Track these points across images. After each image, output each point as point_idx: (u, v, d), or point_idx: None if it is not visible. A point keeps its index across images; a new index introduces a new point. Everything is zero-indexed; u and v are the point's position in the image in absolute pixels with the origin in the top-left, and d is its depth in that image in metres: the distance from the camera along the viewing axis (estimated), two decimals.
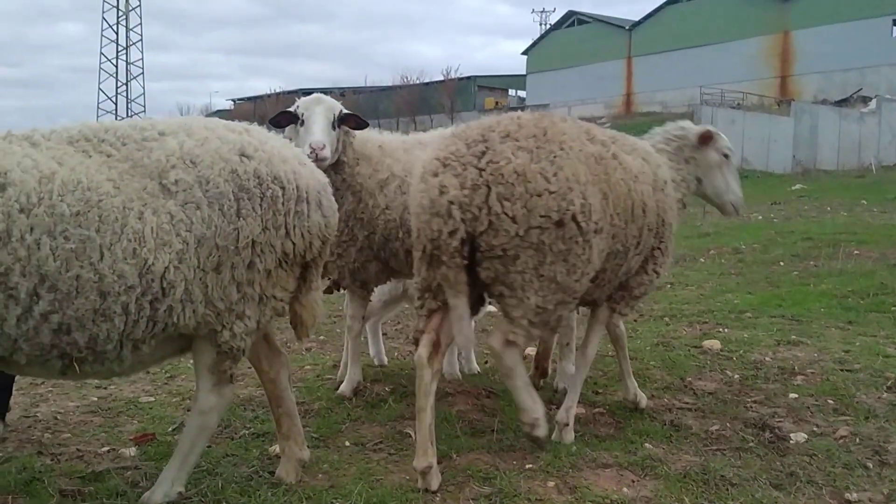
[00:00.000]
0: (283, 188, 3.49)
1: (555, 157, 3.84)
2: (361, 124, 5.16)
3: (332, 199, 3.80)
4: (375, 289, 6.21)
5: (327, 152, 4.85)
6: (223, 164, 3.39)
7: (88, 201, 3.13)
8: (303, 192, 3.57)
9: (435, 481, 3.81)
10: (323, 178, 3.79)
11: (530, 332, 3.95)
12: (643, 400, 5.09)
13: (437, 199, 3.76)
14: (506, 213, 3.70)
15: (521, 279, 3.80)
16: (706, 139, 5.06)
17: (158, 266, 3.21)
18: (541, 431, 4.14)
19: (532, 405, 4.10)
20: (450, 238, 3.75)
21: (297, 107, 5.04)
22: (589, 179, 3.92)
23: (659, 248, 4.67)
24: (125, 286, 3.16)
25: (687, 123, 5.23)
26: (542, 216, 3.72)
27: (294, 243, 3.54)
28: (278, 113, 5.06)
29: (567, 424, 4.52)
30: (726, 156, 5.17)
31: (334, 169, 4.98)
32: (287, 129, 5.01)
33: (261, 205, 3.43)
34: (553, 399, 5.22)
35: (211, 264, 3.34)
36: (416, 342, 4.04)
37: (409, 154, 5.31)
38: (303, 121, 4.98)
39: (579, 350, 4.83)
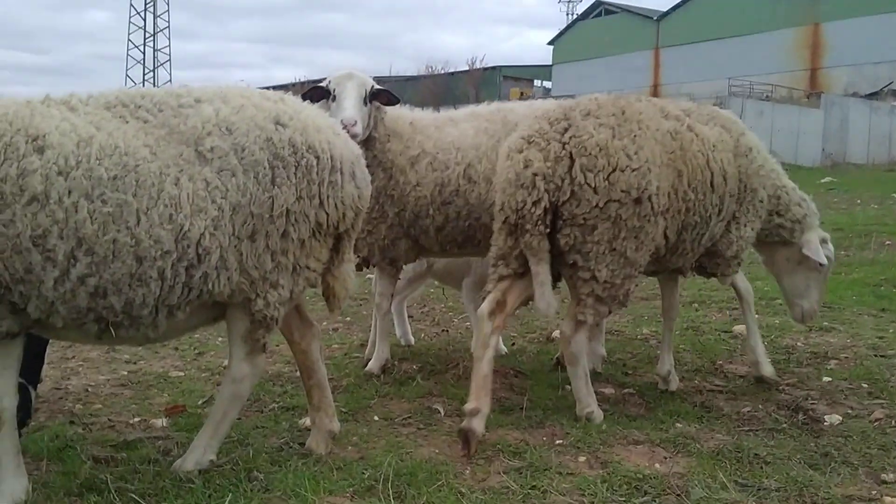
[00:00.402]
0: (317, 158, 3.49)
1: (635, 135, 4.11)
2: (393, 100, 5.15)
3: (366, 170, 3.79)
4: None
5: (358, 129, 4.84)
6: (258, 132, 3.39)
7: (125, 166, 3.14)
8: (337, 162, 3.56)
9: (479, 426, 3.94)
10: (357, 150, 3.78)
11: (597, 310, 4.20)
12: (675, 381, 5.04)
13: (522, 172, 4.07)
14: (588, 184, 3.98)
15: (596, 250, 4.06)
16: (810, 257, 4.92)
17: (194, 232, 3.21)
18: (595, 420, 4.36)
19: (586, 398, 4.38)
20: (534, 207, 4.03)
21: (329, 82, 5.02)
22: (664, 161, 4.17)
23: (742, 211, 4.70)
24: (161, 251, 3.16)
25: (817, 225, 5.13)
26: (622, 191, 4.00)
27: (328, 213, 3.54)
28: (310, 87, 5.04)
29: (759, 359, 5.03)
30: (822, 264, 4.94)
31: (365, 145, 4.96)
32: (318, 104, 4.99)
33: (295, 174, 3.42)
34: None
35: (246, 232, 3.34)
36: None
37: (440, 131, 5.29)
38: (334, 96, 4.96)
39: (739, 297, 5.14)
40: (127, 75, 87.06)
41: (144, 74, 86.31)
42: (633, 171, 4.02)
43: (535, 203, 4.02)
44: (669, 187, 4.19)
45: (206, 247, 3.24)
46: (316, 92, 5.00)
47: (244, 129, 3.37)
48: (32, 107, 3.18)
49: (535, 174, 4.03)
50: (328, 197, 3.52)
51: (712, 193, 4.41)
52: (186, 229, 3.20)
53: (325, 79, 5.13)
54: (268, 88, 4.34)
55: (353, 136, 4.69)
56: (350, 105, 4.89)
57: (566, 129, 4.09)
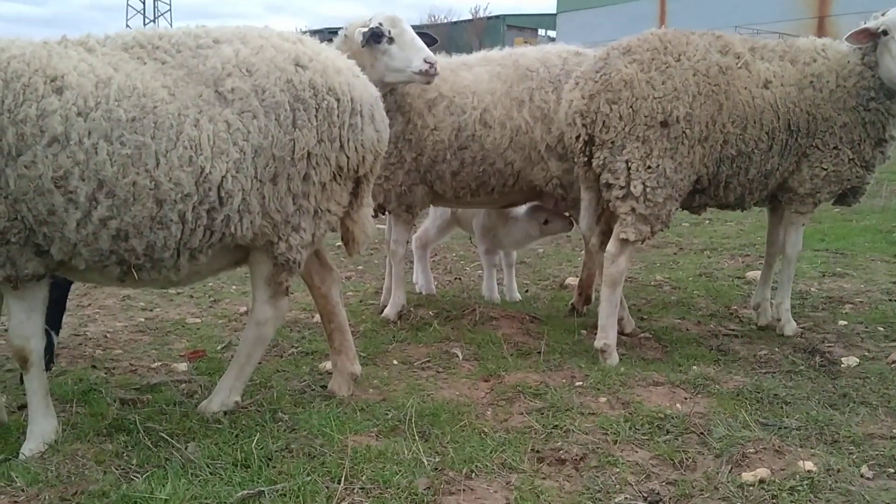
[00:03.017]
0: (338, 100, 3.45)
1: (667, 67, 4.36)
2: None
3: (384, 113, 3.75)
4: (430, 215, 6.20)
5: (438, 68, 4.80)
6: (279, 74, 3.34)
7: (144, 107, 3.10)
8: (357, 104, 3.52)
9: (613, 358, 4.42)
10: (375, 92, 3.73)
11: (639, 228, 4.38)
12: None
13: (567, 112, 4.55)
14: (614, 113, 4.32)
15: (626, 167, 4.32)
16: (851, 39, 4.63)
17: (216, 175, 3.19)
18: (610, 360, 4.41)
19: (608, 327, 4.47)
20: (576, 142, 4.50)
21: (381, 24, 4.80)
22: (702, 91, 4.36)
23: (815, 146, 4.64)
24: (181, 194, 3.14)
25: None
26: (646, 116, 4.30)
27: (348, 157, 3.51)
28: (370, 30, 4.77)
29: (783, 317, 5.01)
30: (885, 32, 4.54)
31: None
32: (371, 46, 4.78)
33: (316, 116, 3.39)
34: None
35: (268, 175, 3.32)
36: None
37: (455, 74, 5.22)
38: (391, 38, 4.81)
39: (782, 252, 5.01)
40: (127, 25, 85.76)
41: (145, 24, 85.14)
42: (656, 98, 4.29)
43: (576, 138, 4.47)
44: (707, 117, 4.36)
45: (229, 190, 3.22)
46: (372, 33, 4.77)
47: (264, 71, 3.33)
48: (50, 48, 3.14)
49: (575, 112, 4.45)
50: (349, 140, 3.49)
51: (756, 128, 4.44)
52: (207, 172, 3.17)
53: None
54: None
55: (436, 75, 4.75)
56: (423, 44, 4.82)
57: (602, 68, 4.42)
